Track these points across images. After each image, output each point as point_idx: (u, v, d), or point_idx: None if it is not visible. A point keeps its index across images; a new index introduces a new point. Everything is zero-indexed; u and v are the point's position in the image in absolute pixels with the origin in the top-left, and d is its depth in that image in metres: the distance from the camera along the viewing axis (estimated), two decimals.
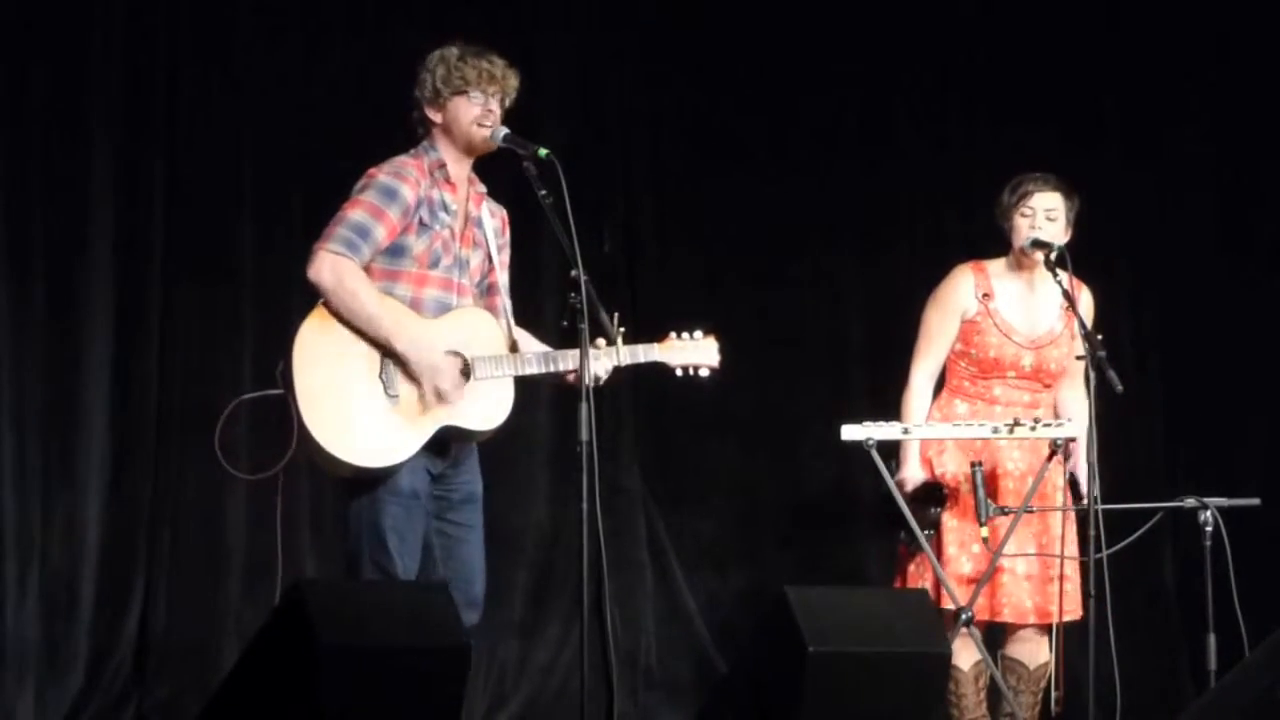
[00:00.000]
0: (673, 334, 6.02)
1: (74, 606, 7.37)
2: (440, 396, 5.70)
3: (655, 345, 5.98)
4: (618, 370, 5.91)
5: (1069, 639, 6.60)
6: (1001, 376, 6.68)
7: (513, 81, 5.91)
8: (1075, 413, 6.61)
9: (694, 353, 6.01)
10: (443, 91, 5.86)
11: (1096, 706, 6.15)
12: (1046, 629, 6.63)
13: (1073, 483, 6.62)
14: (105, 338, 7.46)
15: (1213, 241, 8.62)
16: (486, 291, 5.98)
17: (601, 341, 5.80)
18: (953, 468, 6.63)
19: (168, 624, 7.49)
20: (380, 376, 5.70)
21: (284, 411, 5.62)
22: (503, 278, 5.97)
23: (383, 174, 5.82)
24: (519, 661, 7.99)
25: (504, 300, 5.94)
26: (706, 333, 6.05)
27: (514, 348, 5.85)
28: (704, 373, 6.03)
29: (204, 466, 7.29)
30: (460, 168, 5.92)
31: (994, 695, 6.68)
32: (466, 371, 5.76)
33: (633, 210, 8.35)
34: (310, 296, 5.73)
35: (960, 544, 6.58)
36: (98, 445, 7.42)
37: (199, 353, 7.55)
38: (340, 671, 5.02)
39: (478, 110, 5.85)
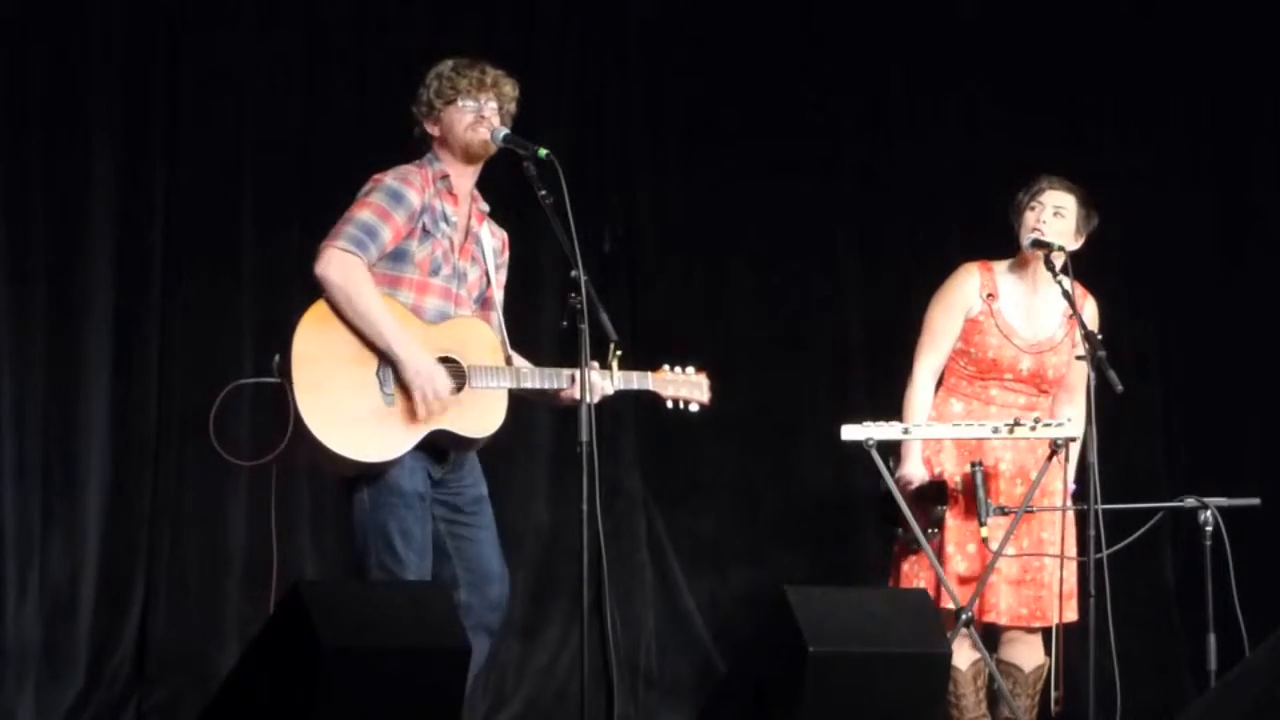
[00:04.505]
0: (666, 366, 6.09)
1: (74, 606, 7.37)
2: (428, 403, 5.71)
3: (649, 374, 6.05)
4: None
5: (1069, 639, 6.59)
6: (999, 378, 6.66)
7: (508, 90, 5.95)
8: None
9: (685, 387, 6.09)
10: (435, 103, 5.92)
11: (1096, 706, 6.14)
12: (1038, 631, 6.63)
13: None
14: (105, 338, 7.45)
15: (1212, 241, 8.62)
16: (482, 306, 6.01)
17: (595, 364, 5.82)
18: (950, 467, 6.62)
19: (168, 624, 7.48)
20: (377, 374, 5.72)
21: (281, 401, 5.64)
22: (498, 296, 6.00)
23: (389, 178, 5.86)
24: (519, 662, 7.99)
25: (499, 317, 5.97)
26: (699, 370, 6.12)
27: (509, 361, 5.88)
28: (694, 408, 6.10)
29: (204, 467, 7.33)
30: (463, 180, 5.95)
31: (994, 695, 6.68)
32: (461, 381, 5.78)
33: (633, 210, 8.35)
34: (313, 290, 5.74)
35: (958, 543, 6.57)
36: (98, 445, 7.42)
37: (199, 353, 7.55)
38: (340, 671, 5.03)
39: (470, 116, 5.90)
